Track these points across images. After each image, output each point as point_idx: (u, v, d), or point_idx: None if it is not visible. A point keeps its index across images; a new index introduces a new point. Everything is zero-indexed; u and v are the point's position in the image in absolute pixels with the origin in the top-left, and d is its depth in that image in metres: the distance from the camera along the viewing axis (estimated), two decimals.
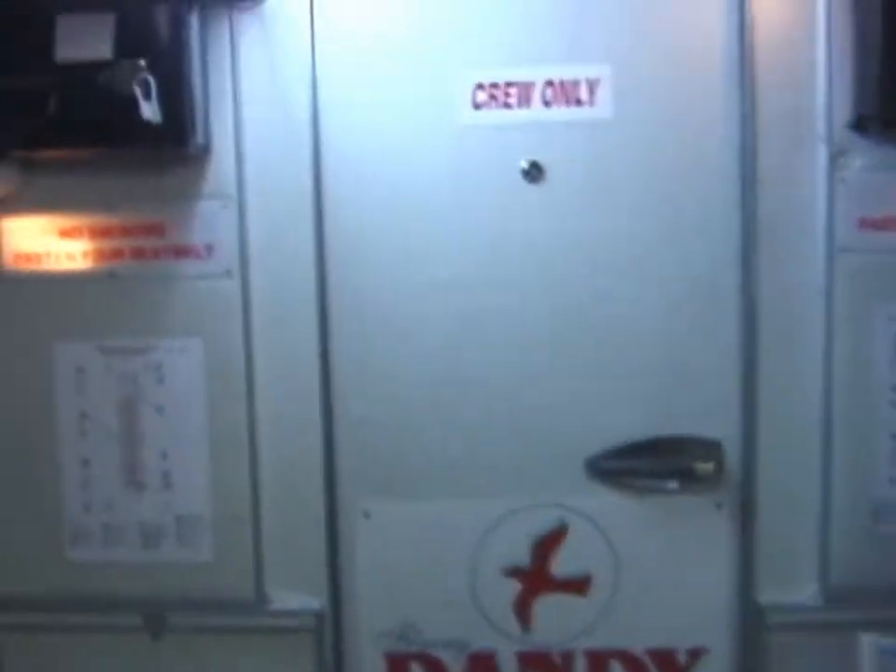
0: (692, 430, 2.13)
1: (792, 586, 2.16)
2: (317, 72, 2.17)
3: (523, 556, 2.22)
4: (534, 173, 2.15)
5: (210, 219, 2.16)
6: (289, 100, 2.18)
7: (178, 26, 2.05)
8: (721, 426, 2.13)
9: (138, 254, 2.18)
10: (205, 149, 2.16)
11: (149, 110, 1.97)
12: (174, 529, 2.20)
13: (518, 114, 2.13)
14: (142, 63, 1.95)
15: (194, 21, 2.09)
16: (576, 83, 2.12)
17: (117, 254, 2.17)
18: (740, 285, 2.11)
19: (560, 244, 2.14)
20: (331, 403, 2.18)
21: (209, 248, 2.16)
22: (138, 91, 1.93)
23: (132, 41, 2.00)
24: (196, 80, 2.09)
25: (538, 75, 2.12)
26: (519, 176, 2.14)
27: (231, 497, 2.18)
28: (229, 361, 2.16)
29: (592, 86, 2.11)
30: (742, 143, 2.08)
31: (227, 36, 2.16)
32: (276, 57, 2.18)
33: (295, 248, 2.17)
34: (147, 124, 1.97)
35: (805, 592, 2.16)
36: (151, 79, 1.94)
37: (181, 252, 2.17)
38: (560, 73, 2.11)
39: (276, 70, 2.17)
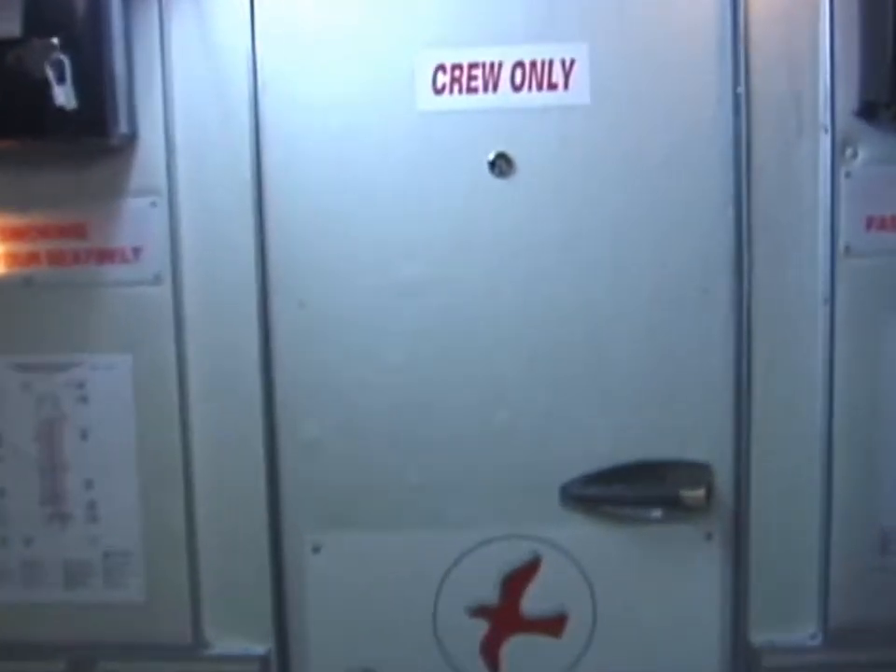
0: (677, 453, 1.96)
1: (789, 625, 1.97)
2: (257, 53, 1.92)
3: (491, 593, 2.01)
4: (502, 165, 1.94)
5: (137, 218, 1.94)
6: (226, 84, 1.93)
7: (98, 0, 1.80)
8: (711, 447, 1.96)
9: (57, 258, 1.96)
10: (131, 139, 1.91)
11: (63, 95, 1.74)
12: (101, 567, 1.99)
13: (484, 99, 1.92)
14: (55, 41, 1.74)
15: None
16: (549, 64, 1.91)
17: (32, 259, 1.96)
18: (733, 290, 1.93)
19: (532, 245, 1.95)
20: (276, 425, 1.98)
21: (137, 251, 1.95)
22: (51, 74, 1.72)
23: (43, 17, 1.76)
24: (118, 62, 1.85)
25: (506, 55, 1.91)
26: (486, 169, 1.94)
27: (165, 530, 1.97)
28: (160, 379, 1.96)
29: (567, 67, 1.91)
30: (735, 131, 1.90)
31: (155, 12, 1.92)
32: (211, 36, 1.93)
33: (234, 250, 1.95)
34: (61, 111, 1.74)
35: (804, 631, 1.97)
36: (66, 60, 1.73)
37: (105, 256, 1.96)
38: (531, 53, 1.90)
39: (211, 51, 1.93)
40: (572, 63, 1.90)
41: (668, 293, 1.94)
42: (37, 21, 1.75)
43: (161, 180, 1.92)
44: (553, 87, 1.91)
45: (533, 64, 1.91)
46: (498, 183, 1.93)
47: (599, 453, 1.96)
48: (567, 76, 1.90)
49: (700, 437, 1.95)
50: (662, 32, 1.90)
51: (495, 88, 1.91)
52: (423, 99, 1.92)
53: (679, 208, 1.92)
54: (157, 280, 1.94)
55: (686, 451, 1.95)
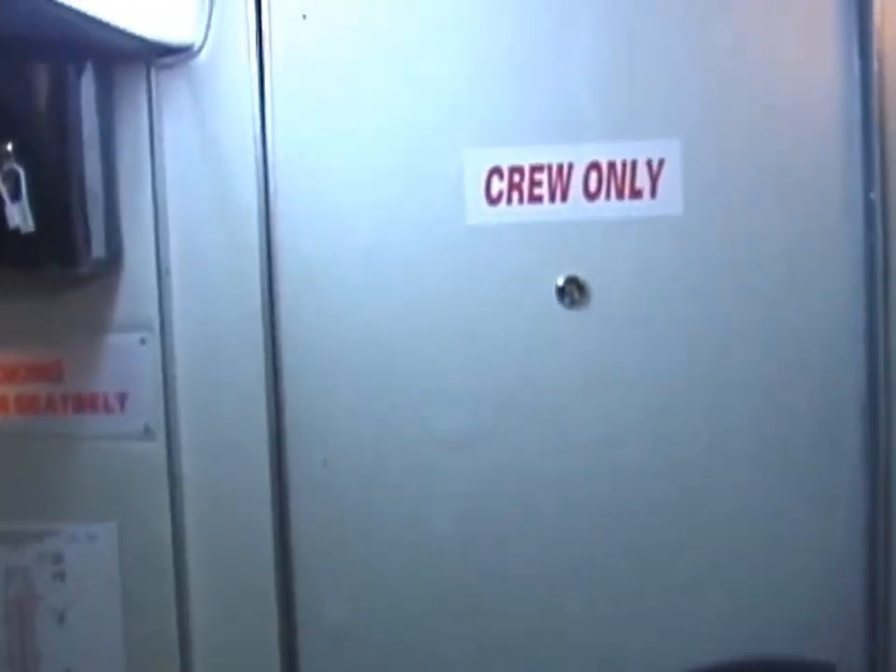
0: (794, 650, 1.60)
1: None
2: (269, 158, 1.60)
3: None
4: (573, 293, 1.60)
5: (123, 358, 1.64)
6: (232, 196, 1.62)
7: (63, 94, 1.47)
8: (836, 644, 1.59)
9: (27, 405, 1.66)
10: (110, 265, 1.60)
11: (19, 215, 1.43)
12: None
13: (550, 210, 1.60)
14: (8, 148, 1.44)
15: (88, 85, 1.50)
16: (632, 166, 1.59)
17: None
18: (865, 442, 1.59)
19: (609, 389, 1.62)
20: (294, 611, 1.65)
21: (122, 398, 1.64)
22: (2, 189, 1.43)
23: None
24: (92, 172, 1.52)
25: (577, 155, 1.59)
26: (553, 298, 1.61)
27: None
28: (152, 553, 1.65)
29: (654, 169, 1.59)
30: (867, 247, 1.56)
31: (144, 110, 1.60)
32: (213, 138, 1.61)
33: (241, 396, 1.64)
34: (16, 235, 1.43)
35: None
36: (21, 171, 1.44)
37: (85, 403, 1.65)
38: (609, 152, 1.59)
39: (213, 156, 1.61)
40: (661, 164, 1.58)
41: (783, 446, 1.60)
42: None
43: (151, 313, 1.62)
44: (636, 194, 1.58)
45: (612, 166, 1.58)
46: (568, 314, 1.60)
47: (696, 650, 1.61)
48: (654, 180, 1.58)
49: (823, 632, 1.60)
50: (772, 124, 1.57)
51: (563, 196, 1.59)
52: (474, 210, 1.60)
53: (796, 343, 1.59)
54: (147, 434, 1.63)
55: (805, 648, 1.59)
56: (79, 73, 1.48)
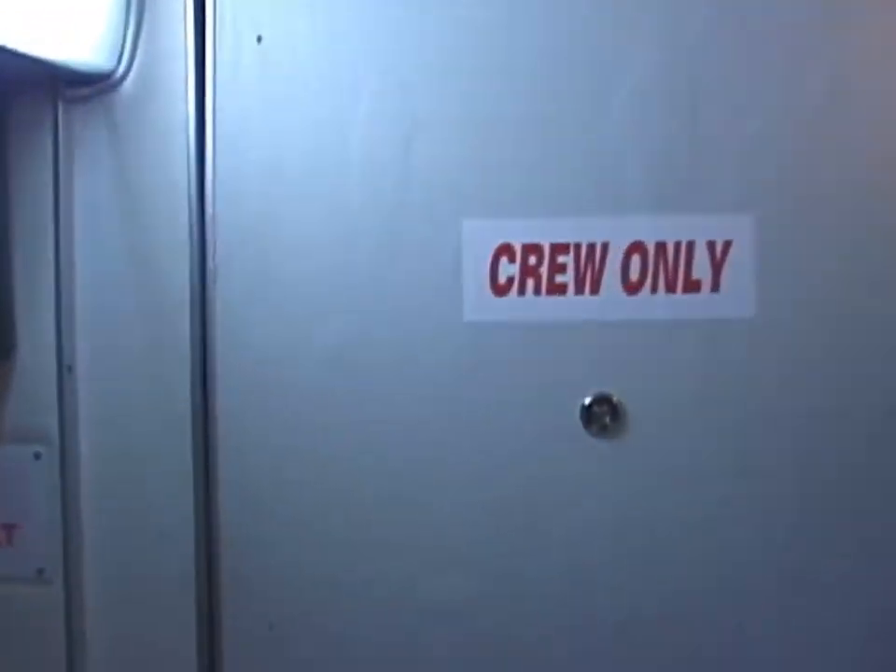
0: None
1: None
2: (208, 218, 1.24)
3: None
4: (603, 417, 1.20)
5: (12, 480, 1.29)
6: (161, 266, 1.25)
7: None
8: None
9: None
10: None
11: None
12: None
13: (575, 305, 1.21)
14: None
15: None
16: (687, 249, 1.19)
17: None
18: None
19: (649, 540, 1.22)
20: None
21: (9, 531, 1.29)
22: None
23: None
24: None
25: (616, 231, 1.19)
26: (577, 422, 1.22)
27: None
28: None
29: (718, 254, 1.19)
30: None
31: (48, 146, 1.25)
32: (139, 183, 1.26)
33: (160, 534, 1.29)
34: None
35: None
36: None
37: None
38: (657, 229, 1.19)
39: (138, 206, 1.24)
40: (726, 247, 1.19)
41: (870, 614, 1.20)
42: None
43: (48, 421, 1.27)
44: (692, 287, 1.18)
45: (661, 248, 1.19)
46: (596, 445, 1.21)
47: None
48: (716, 268, 1.19)
49: None
50: (871, 199, 1.17)
51: (594, 287, 1.20)
52: (474, 302, 1.22)
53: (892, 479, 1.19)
54: (41, 578, 1.28)
55: None
56: None
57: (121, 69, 1.22)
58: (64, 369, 1.24)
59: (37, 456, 1.27)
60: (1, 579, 1.28)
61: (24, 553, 1.28)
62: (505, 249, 1.19)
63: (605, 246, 1.18)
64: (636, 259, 1.19)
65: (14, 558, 1.28)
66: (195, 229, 1.21)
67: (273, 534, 1.23)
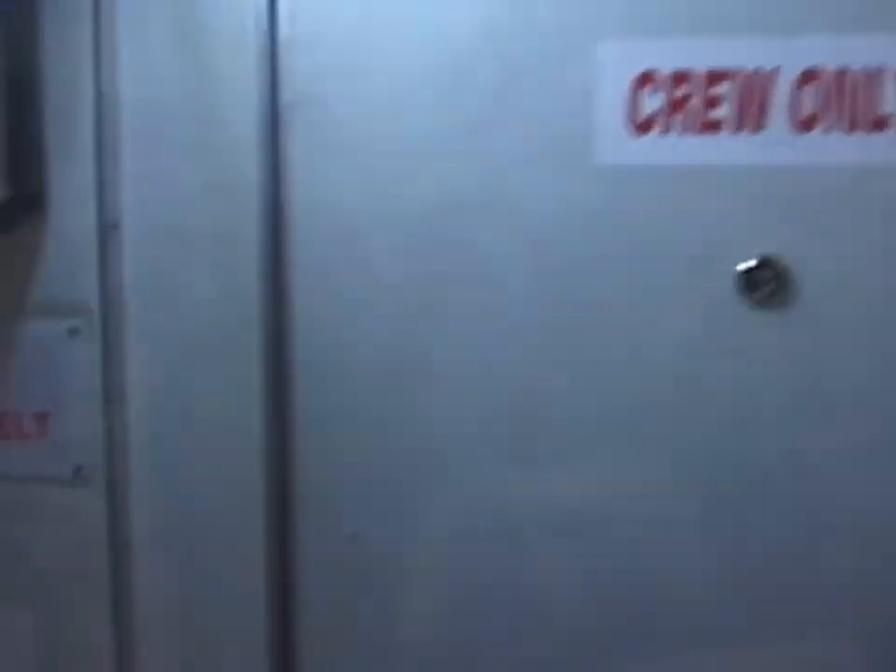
0: None
1: None
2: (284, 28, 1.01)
3: None
4: (767, 284, 0.98)
5: (45, 360, 1.09)
6: (220, 89, 1.04)
7: None
8: None
9: None
10: (21, 213, 1.05)
11: None
12: None
13: (736, 146, 0.98)
14: None
15: None
16: (874, 77, 0.96)
17: None
18: None
19: (821, 443, 0.99)
20: None
21: (42, 420, 1.09)
22: None
23: None
24: None
25: (786, 54, 0.96)
26: (733, 292, 0.99)
27: None
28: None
29: None
30: None
31: None
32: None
33: (219, 420, 1.08)
34: None
35: None
36: None
37: None
38: (838, 52, 0.96)
39: (191, 19, 1.02)
40: None
41: None
42: None
43: (87, 288, 1.07)
44: (879, 124, 0.96)
45: (840, 76, 0.95)
46: (758, 317, 0.98)
47: None
48: None
49: None
50: None
51: (759, 123, 0.97)
52: (610, 142, 0.99)
53: None
54: (78, 478, 1.07)
55: None
56: None
57: None
58: (107, 227, 1.03)
59: (73, 333, 1.07)
60: (32, 479, 1.07)
61: (59, 449, 1.07)
62: (648, 77, 0.97)
63: (773, 73, 0.97)
64: (809, 90, 0.98)
65: (47, 454, 1.07)
66: (266, 52, 1.00)
67: (354, 421, 1.03)
